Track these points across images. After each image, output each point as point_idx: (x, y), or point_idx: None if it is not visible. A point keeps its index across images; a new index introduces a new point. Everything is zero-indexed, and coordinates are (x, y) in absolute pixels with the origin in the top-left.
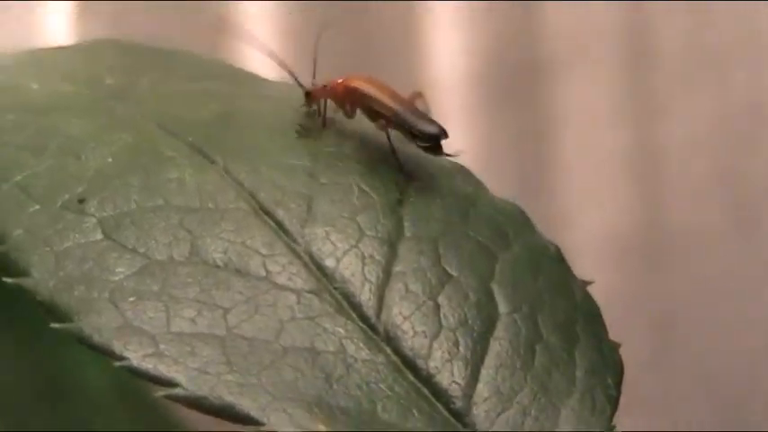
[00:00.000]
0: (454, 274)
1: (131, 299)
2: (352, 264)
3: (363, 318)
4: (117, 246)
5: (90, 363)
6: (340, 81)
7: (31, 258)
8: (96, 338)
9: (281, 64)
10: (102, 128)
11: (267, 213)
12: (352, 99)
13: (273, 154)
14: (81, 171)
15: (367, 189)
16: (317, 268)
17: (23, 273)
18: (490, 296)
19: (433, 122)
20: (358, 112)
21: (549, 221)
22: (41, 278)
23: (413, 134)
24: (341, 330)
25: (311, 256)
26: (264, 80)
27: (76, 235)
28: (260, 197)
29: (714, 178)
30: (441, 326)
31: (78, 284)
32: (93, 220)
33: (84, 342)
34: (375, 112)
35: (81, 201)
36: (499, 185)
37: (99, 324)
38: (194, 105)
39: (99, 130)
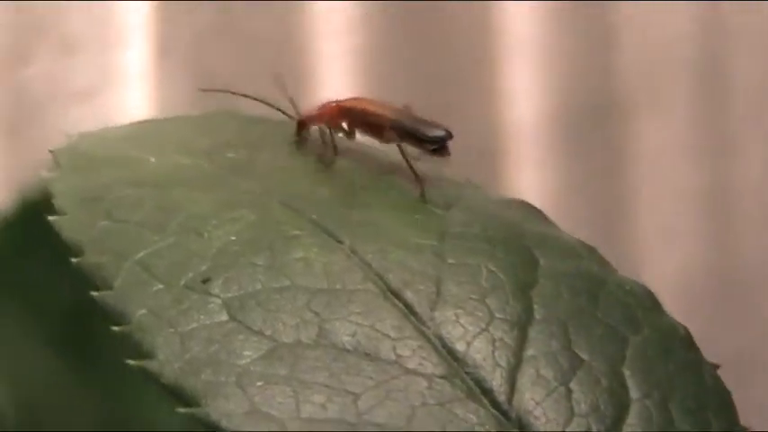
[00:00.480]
0: (585, 358)
1: (259, 383)
2: (482, 348)
3: (495, 403)
4: (243, 328)
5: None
6: (333, 104)
7: (155, 340)
8: (225, 424)
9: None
10: (225, 204)
11: (396, 295)
12: (348, 119)
13: (399, 233)
14: (204, 249)
15: (495, 270)
16: (447, 352)
17: (147, 355)
18: (621, 381)
19: (437, 125)
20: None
21: (623, 261)
22: (167, 361)
23: (419, 139)
24: (473, 417)
25: (441, 340)
26: (384, 154)
27: (201, 316)
28: (388, 278)
29: None
30: (573, 412)
31: (205, 368)
32: (218, 300)
33: (211, 427)
34: (376, 126)
35: (205, 280)
36: (573, 225)
37: (227, 409)
38: (315, 182)
39: (221, 206)
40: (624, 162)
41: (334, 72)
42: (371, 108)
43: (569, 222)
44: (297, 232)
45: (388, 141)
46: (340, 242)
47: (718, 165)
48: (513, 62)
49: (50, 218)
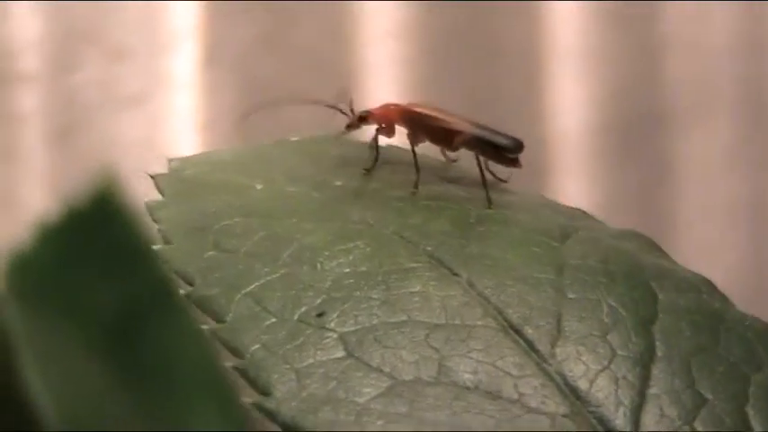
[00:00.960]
0: (709, 397)
1: (379, 422)
2: (605, 386)
3: None
4: (361, 364)
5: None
6: (394, 106)
7: (271, 377)
8: None
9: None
10: (337, 235)
11: (516, 331)
12: (412, 123)
13: (517, 266)
14: (317, 281)
15: (616, 305)
16: (569, 390)
17: (263, 391)
18: (745, 421)
19: (509, 134)
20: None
21: None
22: (283, 399)
23: (497, 148)
24: None
25: (563, 378)
26: (502, 189)
27: (318, 351)
28: (507, 314)
29: None
30: None
31: (323, 406)
32: (334, 335)
33: None
34: (446, 132)
35: (320, 314)
36: None
37: None
38: (429, 212)
39: (333, 237)
40: (670, 174)
41: (381, 81)
42: (440, 114)
43: None
44: (412, 265)
45: (456, 149)
46: (457, 275)
47: (764, 179)
48: (560, 73)
49: (156, 247)
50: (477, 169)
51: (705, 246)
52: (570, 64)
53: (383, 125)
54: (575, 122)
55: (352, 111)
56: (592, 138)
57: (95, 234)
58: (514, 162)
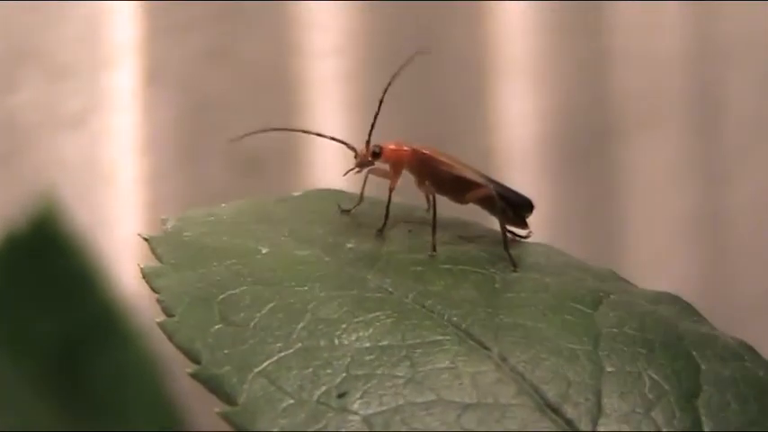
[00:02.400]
0: None
1: None
2: None
3: None
4: None
5: None
6: (407, 148)
7: None
8: None
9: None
10: (355, 305)
11: (554, 410)
12: (424, 168)
13: (550, 337)
14: (336, 358)
15: (657, 378)
16: None
17: None
18: None
19: (519, 193)
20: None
21: None
22: None
23: (512, 205)
24: None
25: None
26: (529, 245)
27: None
28: (544, 391)
29: None
30: None
31: None
32: (358, 418)
33: None
34: (464, 184)
35: (341, 395)
36: (568, 247)
37: None
38: (451, 278)
39: (350, 307)
40: (618, 187)
41: (327, 95)
42: (456, 164)
43: (564, 243)
44: (438, 337)
45: (466, 203)
46: (487, 349)
47: (711, 190)
48: (508, 85)
49: (158, 320)
50: (493, 226)
51: (653, 257)
52: (518, 76)
53: (391, 166)
54: (522, 134)
55: (367, 143)
56: (540, 149)
57: (36, 260)
58: (524, 223)
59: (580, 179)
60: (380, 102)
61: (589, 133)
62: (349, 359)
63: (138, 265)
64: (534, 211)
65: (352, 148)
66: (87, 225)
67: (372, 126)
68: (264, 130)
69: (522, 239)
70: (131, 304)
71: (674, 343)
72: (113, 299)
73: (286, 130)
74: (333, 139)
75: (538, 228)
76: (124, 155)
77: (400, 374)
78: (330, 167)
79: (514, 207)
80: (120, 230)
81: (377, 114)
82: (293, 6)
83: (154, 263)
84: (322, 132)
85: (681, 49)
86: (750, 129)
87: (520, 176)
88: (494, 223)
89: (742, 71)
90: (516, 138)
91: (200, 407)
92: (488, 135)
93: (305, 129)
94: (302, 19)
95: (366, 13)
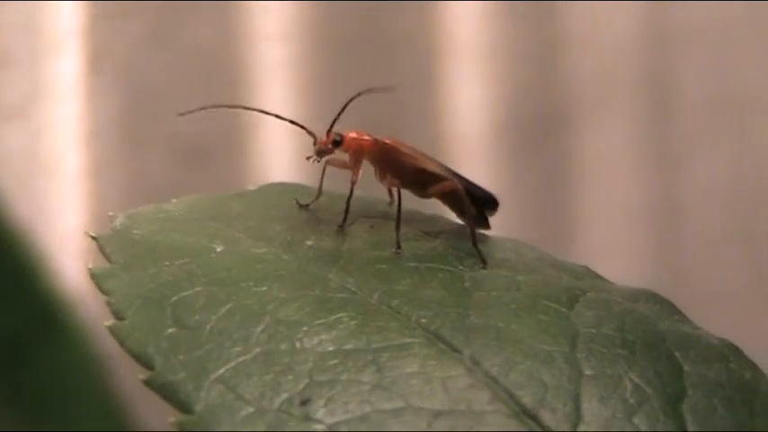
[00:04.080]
0: None
1: None
2: None
3: None
4: None
5: None
6: (368, 137)
7: None
8: None
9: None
10: (316, 306)
11: (531, 417)
12: (385, 159)
13: (525, 339)
14: (298, 363)
15: (639, 382)
16: None
17: None
18: None
19: (485, 189)
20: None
21: None
22: None
23: (476, 202)
24: None
25: None
26: (497, 240)
27: None
28: (519, 396)
29: (733, 232)
30: None
31: None
32: (322, 427)
33: None
34: (428, 177)
35: (304, 402)
36: (521, 234)
37: None
38: (417, 276)
39: (312, 308)
40: (570, 174)
41: (271, 81)
42: (420, 156)
43: (515, 234)
44: (406, 340)
45: (430, 197)
46: (458, 352)
47: (664, 178)
48: (457, 72)
49: (107, 323)
50: (455, 219)
51: (605, 244)
52: (467, 62)
53: (352, 156)
54: (472, 121)
55: (328, 131)
56: (490, 137)
57: None
58: (486, 221)
59: (532, 165)
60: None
61: (540, 119)
62: (311, 364)
63: (87, 266)
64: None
65: (312, 134)
66: (29, 218)
67: (335, 120)
68: (220, 106)
69: (489, 234)
70: (74, 299)
71: (655, 343)
72: (56, 294)
73: (245, 108)
74: (292, 122)
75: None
76: (66, 146)
77: (366, 380)
78: (277, 157)
79: (478, 203)
80: (63, 223)
81: (341, 112)
82: None
83: (102, 262)
84: (280, 115)
85: (633, 34)
86: (704, 114)
87: (471, 163)
88: (455, 218)
89: (695, 56)
90: (467, 125)
91: (151, 407)
92: (439, 123)
93: (261, 110)
94: (247, 3)
95: None
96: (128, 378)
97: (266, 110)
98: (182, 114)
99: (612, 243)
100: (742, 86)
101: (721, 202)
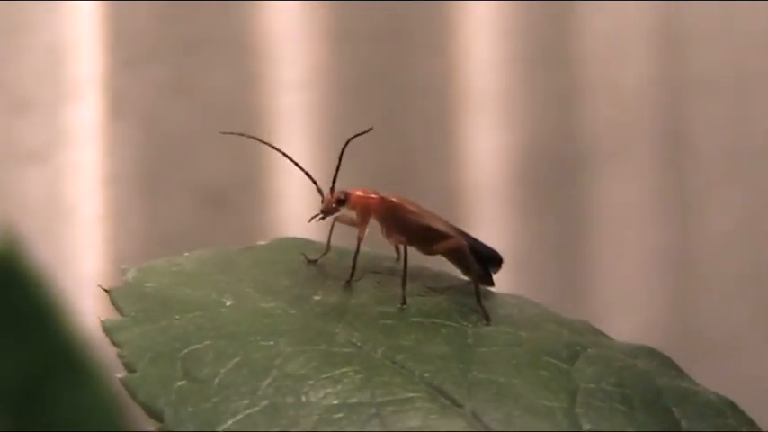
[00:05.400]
0: None
1: None
2: None
3: None
4: None
5: None
6: (375, 195)
7: None
8: None
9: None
10: (322, 359)
11: None
12: (395, 220)
13: (525, 393)
14: (303, 416)
15: None
16: None
17: None
18: None
19: (489, 247)
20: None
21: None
22: None
23: (480, 259)
24: None
25: None
26: (501, 296)
27: None
28: None
29: (747, 282)
30: None
31: None
32: None
33: None
34: (434, 235)
35: None
36: (537, 283)
37: None
38: (422, 332)
39: (318, 363)
40: (585, 222)
41: (292, 129)
42: (426, 214)
43: (531, 282)
44: (409, 395)
45: (434, 254)
46: (460, 406)
47: (679, 226)
48: (475, 120)
49: (119, 376)
50: (460, 276)
51: (622, 294)
52: (485, 110)
53: (358, 214)
54: (490, 170)
55: (332, 190)
56: (507, 186)
57: None
58: (490, 278)
59: (549, 215)
60: (339, 158)
61: (557, 168)
62: (317, 417)
63: (99, 318)
64: (501, 248)
65: (320, 191)
66: (48, 261)
67: (336, 174)
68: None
69: (493, 291)
70: (91, 341)
71: (653, 399)
72: (74, 335)
73: (268, 144)
74: (307, 174)
75: (506, 264)
76: (86, 190)
77: None
78: (293, 204)
79: (483, 261)
80: (81, 267)
81: (339, 165)
82: (257, 39)
83: (115, 315)
84: (299, 163)
85: (649, 83)
86: (718, 164)
87: (485, 211)
88: (460, 274)
89: (710, 106)
90: (484, 174)
91: None
92: (456, 171)
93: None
94: (266, 52)
95: (331, 46)
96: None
97: (281, 160)
98: (224, 133)
99: (627, 291)
100: (757, 137)
101: (735, 252)
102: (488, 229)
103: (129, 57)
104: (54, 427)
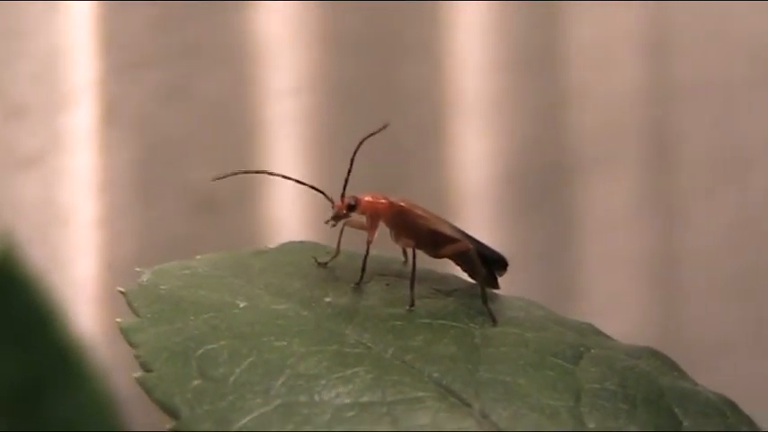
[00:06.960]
0: None
1: None
2: None
3: None
4: None
5: None
6: (383, 200)
7: None
8: None
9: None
10: (334, 360)
11: None
12: (404, 224)
13: (531, 393)
14: (316, 414)
15: None
16: None
17: None
18: None
19: (495, 250)
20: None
21: None
22: None
23: (486, 262)
24: None
25: None
26: (508, 298)
27: None
28: None
29: (735, 286)
30: None
31: None
32: None
33: None
34: (441, 239)
35: None
36: (525, 289)
37: None
38: (430, 332)
39: (330, 362)
40: (573, 227)
41: (283, 135)
42: (432, 218)
43: (520, 286)
44: (419, 394)
45: (441, 257)
46: (468, 405)
47: (667, 229)
48: (464, 124)
49: (136, 375)
50: (467, 278)
51: (611, 297)
52: (475, 115)
53: (368, 218)
54: (477, 174)
55: (342, 196)
56: (496, 189)
57: None
58: (495, 281)
59: (537, 219)
60: (352, 160)
61: (546, 172)
62: (329, 416)
63: (116, 320)
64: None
65: (330, 199)
66: (43, 266)
67: (346, 181)
68: (250, 172)
69: (499, 293)
70: (88, 345)
71: (655, 399)
72: (69, 338)
73: (265, 173)
74: (312, 187)
75: None
76: (81, 195)
77: None
78: (289, 209)
79: (488, 264)
80: (77, 271)
81: (350, 169)
82: (251, 44)
83: (129, 316)
84: (302, 181)
85: (636, 89)
86: (705, 168)
87: (475, 215)
88: (466, 277)
89: (697, 111)
90: (473, 177)
91: None
92: (445, 175)
93: (277, 173)
94: (260, 57)
95: (324, 51)
96: (141, 422)
97: (275, 165)
98: (217, 179)
99: (615, 295)
100: (743, 141)
101: (723, 255)
102: (477, 232)
103: (123, 62)
104: (51, 429)
